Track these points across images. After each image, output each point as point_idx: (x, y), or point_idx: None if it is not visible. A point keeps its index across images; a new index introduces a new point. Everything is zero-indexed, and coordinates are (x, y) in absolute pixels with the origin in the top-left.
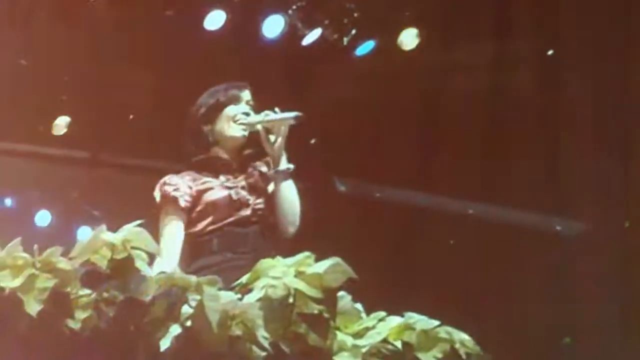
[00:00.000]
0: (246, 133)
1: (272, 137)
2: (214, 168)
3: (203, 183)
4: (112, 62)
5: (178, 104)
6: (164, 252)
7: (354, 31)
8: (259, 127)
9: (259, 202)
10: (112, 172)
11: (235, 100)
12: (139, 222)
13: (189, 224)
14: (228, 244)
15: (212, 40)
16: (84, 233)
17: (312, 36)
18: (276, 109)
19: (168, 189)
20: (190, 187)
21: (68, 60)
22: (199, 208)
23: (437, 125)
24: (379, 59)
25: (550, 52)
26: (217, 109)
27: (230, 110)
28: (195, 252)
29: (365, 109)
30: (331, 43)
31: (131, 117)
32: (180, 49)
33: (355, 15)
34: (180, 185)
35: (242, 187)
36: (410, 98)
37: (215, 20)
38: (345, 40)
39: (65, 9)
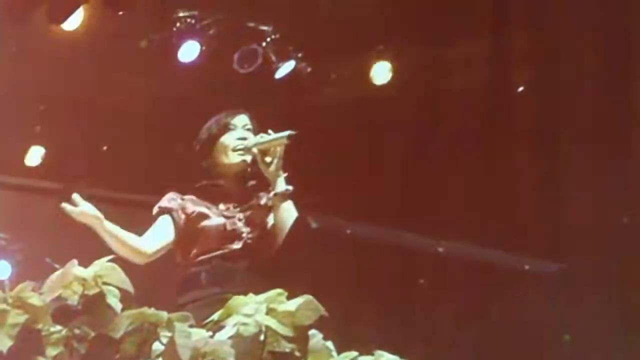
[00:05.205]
0: (246, 158)
1: (267, 159)
2: (213, 196)
3: (201, 208)
4: (86, 92)
5: (152, 135)
6: (146, 235)
7: (326, 64)
8: (254, 150)
9: (251, 236)
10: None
11: (227, 129)
12: (110, 257)
13: (183, 249)
14: (216, 278)
15: (187, 72)
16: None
17: (286, 69)
18: (270, 131)
19: (164, 202)
20: (188, 208)
21: (42, 90)
22: (193, 232)
23: (407, 160)
24: (351, 92)
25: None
26: (211, 142)
27: (224, 139)
28: (185, 283)
29: (336, 143)
30: (304, 75)
31: (105, 148)
32: (154, 79)
33: (329, 49)
34: (179, 202)
35: (239, 219)
36: (382, 132)
37: (189, 51)
38: (317, 73)
39: (40, 38)
